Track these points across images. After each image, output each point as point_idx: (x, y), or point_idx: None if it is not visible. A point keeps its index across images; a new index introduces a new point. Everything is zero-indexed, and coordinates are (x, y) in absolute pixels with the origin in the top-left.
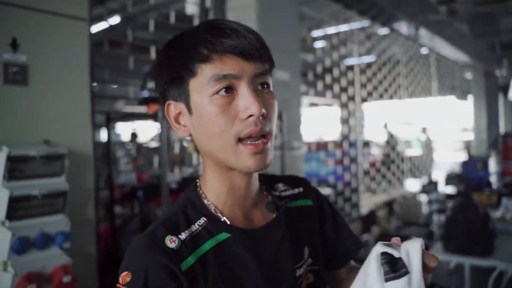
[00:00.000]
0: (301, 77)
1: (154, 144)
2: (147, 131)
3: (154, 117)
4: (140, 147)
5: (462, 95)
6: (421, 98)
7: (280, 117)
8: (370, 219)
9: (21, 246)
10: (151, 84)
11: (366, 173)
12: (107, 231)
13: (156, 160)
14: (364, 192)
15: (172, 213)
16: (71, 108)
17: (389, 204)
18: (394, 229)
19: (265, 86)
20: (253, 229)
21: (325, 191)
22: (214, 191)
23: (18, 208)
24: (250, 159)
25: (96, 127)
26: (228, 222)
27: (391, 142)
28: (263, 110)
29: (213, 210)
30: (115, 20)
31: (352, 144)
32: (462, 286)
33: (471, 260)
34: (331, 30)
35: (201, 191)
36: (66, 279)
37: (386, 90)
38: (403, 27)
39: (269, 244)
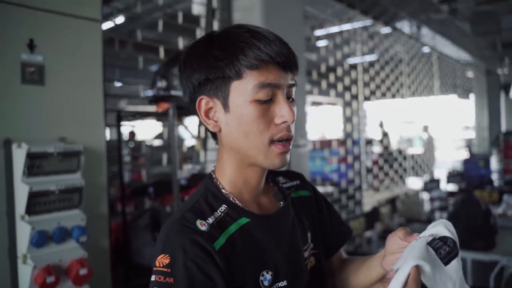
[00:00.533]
0: (305, 76)
1: (157, 143)
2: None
3: (164, 115)
4: (139, 146)
5: (464, 94)
6: (423, 97)
7: None
8: (373, 216)
9: (40, 239)
10: (160, 83)
11: (369, 170)
12: (118, 226)
13: (164, 157)
14: (367, 190)
15: (195, 201)
16: (85, 107)
17: (391, 202)
18: (397, 226)
19: (291, 99)
20: (267, 215)
21: (329, 189)
22: (231, 182)
23: (37, 203)
24: (278, 157)
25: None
26: (246, 209)
27: (384, 141)
28: (294, 117)
29: (231, 199)
30: (119, 19)
31: (355, 142)
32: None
33: (473, 255)
34: (334, 29)
35: (218, 182)
36: (83, 271)
37: (388, 88)
38: (405, 26)
39: (283, 228)
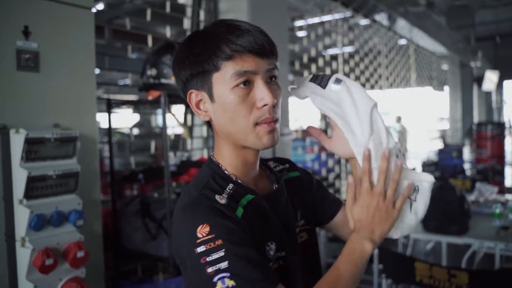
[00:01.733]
0: (289, 67)
1: (135, 131)
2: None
3: (155, 102)
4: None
5: (439, 86)
6: (401, 89)
7: None
8: None
9: (38, 223)
10: (150, 71)
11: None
12: (107, 212)
13: (152, 145)
14: (345, 179)
15: (206, 181)
16: (78, 94)
17: None
18: None
19: (273, 78)
20: (266, 195)
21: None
22: (231, 164)
23: (35, 187)
24: (266, 136)
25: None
26: (249, 187)
27: (400, 139)
28: (274, 100)
29: (234, 179)
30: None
31: None
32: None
33: (448, 238)
34: (315, 20)
35: (220, 165)
36: (80, 254)
37: (367, 80)
38: (384, 19)
39: (280, 205)
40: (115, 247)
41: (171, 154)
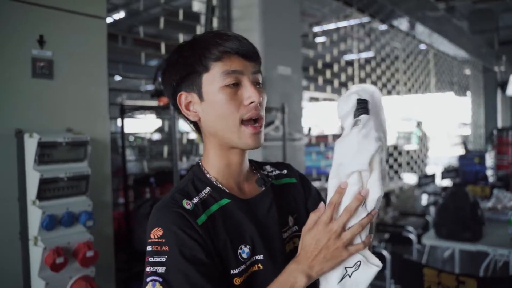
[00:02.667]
0: (302, 72)
1: (157, 136)
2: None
3: (166, 108)
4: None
5: (461, 91)
6: (420, 94)
7: (282, 109)
8: None
9: (50, 223)
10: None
11: None
12: (120, 215)
13: (165, 150)
14: None
15: (184, 185)
16: (91, 100)
17: (385, 195)
18: (391, 219)
19: (258, 84)
20: (247, 198)
21: (325, 183)
22: (215, 167)
23: (47, 189)
24: (250, 138)
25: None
26: (227, 191)
27: (422, 142)
28: (261, 98)
29: (214, 182)
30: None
31: None
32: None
33: (461, 245)
34: (331, 26)
35: (203, 168)
36: (89, 253)
37: (384, 85)
38: (402, 24)
39: (260, 210)
40: (128, 249)
41: (184, 158)
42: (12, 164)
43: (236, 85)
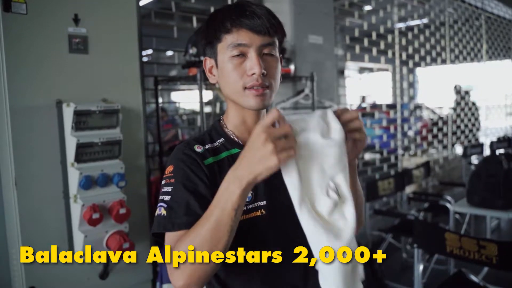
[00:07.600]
0: (335, 42)
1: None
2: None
3: (193, 78)
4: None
5: None
6: (474, 63)
7: (311, 78)
8: (404, 177)
9: (86, 183)
10: (191, 50)
11: (416, 135)
12: (157, 179)
13: (199, 120)
14: (409, 156)
15: (201, 134)
16: (124, 72)
17: (426, 164)
18: (431, 188)
19: (271, 53)
20: None
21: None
22: (232, 122)
23: (83, 153)
24: (252, 99)
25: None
26: (241, 143)
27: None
28: (263, 70)
29: (231, 135)
30: None
31: (404, 107)
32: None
33: (492, 212)
34: None
35: (223, 122)
36: (122, 211)
37: (439, 54)
38: None
39: None
40: None
41: None
42: (54, 131)
43: (243, 55)
